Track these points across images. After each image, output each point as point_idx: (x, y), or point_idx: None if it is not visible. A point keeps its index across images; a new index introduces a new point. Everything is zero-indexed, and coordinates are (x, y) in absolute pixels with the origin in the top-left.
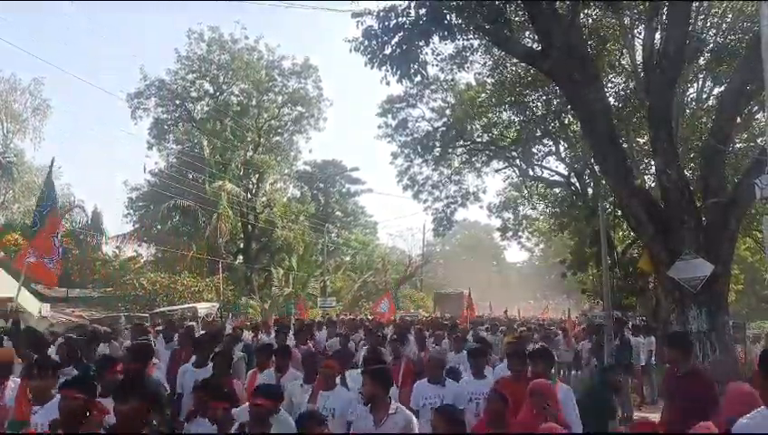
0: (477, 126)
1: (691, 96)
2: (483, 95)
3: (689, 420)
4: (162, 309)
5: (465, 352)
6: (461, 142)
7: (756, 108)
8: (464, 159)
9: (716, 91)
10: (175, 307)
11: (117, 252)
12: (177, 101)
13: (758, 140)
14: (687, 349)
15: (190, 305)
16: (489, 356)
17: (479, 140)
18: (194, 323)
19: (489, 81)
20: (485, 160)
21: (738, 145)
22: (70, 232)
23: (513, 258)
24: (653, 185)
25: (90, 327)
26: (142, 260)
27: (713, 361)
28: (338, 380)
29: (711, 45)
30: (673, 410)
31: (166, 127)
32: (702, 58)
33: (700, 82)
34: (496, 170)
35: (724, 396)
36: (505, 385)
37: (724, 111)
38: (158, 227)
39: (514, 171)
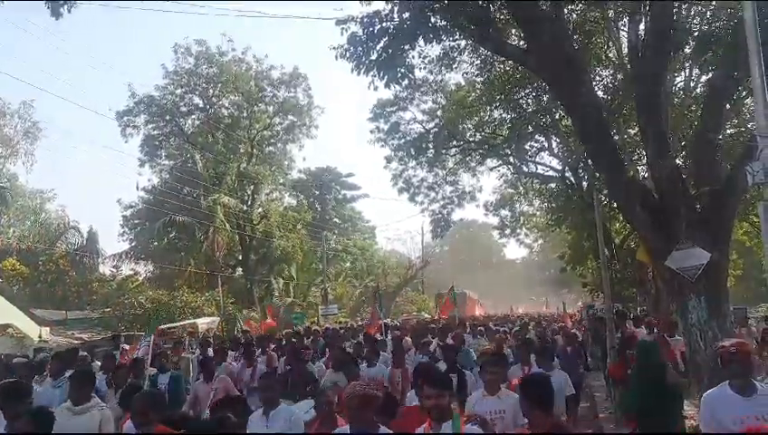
0: (469, 125)
1: (679, 85)
2: (473, 95)
3: None
4: (162, 326)
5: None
6: (454, 142)
7: (745, 93)
8: (458, 159)
9: (704, 78)
10: (175, 324)
11: (114, 271)
12: (168, 117)
13: (749, 126)
14: (545, 398)
15: (191, 321)
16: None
17: (472, 139)
18: (116, 351)
19: (478, 80)
20: (479, 159)
21: (729, 131)
22: (66, 254)
23: (513, 255)
24: (646, 175)
25: (15, 360)
26: (140, 278)
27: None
28: None
29: (696, 33)
30: None
31: (157, 143)
32: (688, 46)
33: (687, 71)
34: (491, 169)
35: None
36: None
37: (713, 99)
38: (155, 243)
39: (509, 169)
